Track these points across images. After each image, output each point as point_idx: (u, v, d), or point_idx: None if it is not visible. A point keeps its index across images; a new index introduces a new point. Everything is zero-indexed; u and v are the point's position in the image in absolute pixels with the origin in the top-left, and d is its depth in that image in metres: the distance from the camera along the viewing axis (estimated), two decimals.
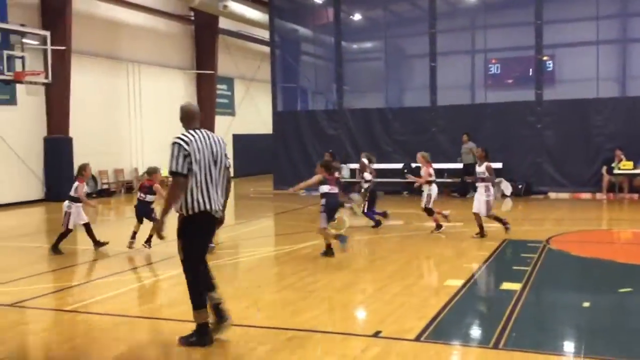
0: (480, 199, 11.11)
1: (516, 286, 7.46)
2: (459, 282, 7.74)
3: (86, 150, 19.84)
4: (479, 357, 5.22)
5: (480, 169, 11.36)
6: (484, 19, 19.51)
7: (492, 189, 11.17)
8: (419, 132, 19.46)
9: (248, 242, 11.44)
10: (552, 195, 18.31)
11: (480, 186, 11.18)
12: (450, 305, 6.75)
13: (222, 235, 12.27)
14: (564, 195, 18.08)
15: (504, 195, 18.20)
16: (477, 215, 11.20)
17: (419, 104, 20.09)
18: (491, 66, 20.54)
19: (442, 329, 6.00)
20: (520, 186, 18.22)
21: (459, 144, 19.09)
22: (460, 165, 18.84)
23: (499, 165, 18.58)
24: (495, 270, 8.71)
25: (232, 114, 29.78)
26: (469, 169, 18.59)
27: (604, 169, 17.32)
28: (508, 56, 20.57)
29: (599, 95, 18.10)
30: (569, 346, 5.55)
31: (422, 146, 18.98)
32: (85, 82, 20.91)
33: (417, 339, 5.63)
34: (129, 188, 22.57)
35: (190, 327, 6.07)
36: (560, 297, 7.57)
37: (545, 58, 19.20)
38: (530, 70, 19.38)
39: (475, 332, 6.07)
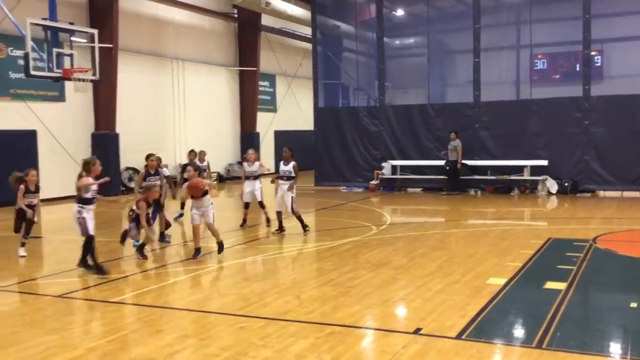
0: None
1: (561, 285, 7.32)
2: (501, 281, 7.63)
3: (131, 145, 20.28)
4: (521, 357, 5.14)
5: (287, 167, 11.77)
6: (530, 14, 19.11)
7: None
8: (462, 129, 19.23)
9: (289, 238, 11.51)
10: (600, 193, 17.87)
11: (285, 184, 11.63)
12: (493, 304, 6.66)
13: (263, 230, 12.39)
14: (612, 194, 17.62)
15: (549, 193, 17.89)
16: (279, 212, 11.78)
17: (462, 100, 19.84)
18: (537, 61, 20.11)
19: (484, 327, 5.93)
20: (566, 184, 17.83)
21: (504, 141, 18.81)
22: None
23: (544, 162, 18.26)
24: (539, 269, 8.55)
25: (274, 110, 29.97)
26: (454, 165, 18.47)
27: None
28: (555, 51, 20.13)
29: None
30: (615, 347, 5.42)
31: (464, 143, 18.87)
32: (131, 79, 21.34)
33: (459, 337, 5.59)
34: (173, 183, 22.90)
35: (229, 320, 6.18)
36: (606, 297, 7.39)
37: (593, 53, 18.70)
38: (578, 65, 18.93)
39: (518, 331, 5.98)
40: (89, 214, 8.60)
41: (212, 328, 6.07)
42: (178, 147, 23.89)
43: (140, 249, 9.62)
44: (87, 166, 8.72)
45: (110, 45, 19.14)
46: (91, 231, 8.57)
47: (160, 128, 23.08)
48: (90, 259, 8.61)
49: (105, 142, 20.10)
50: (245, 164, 12.97)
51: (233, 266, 9.26)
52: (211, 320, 6.37)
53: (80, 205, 8.60)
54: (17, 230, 9.98)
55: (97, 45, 15.71)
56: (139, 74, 22.04)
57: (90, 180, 8.73)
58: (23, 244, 9.98)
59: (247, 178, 12.73)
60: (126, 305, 7.05)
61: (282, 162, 11.98)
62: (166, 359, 5.20)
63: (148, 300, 7.26)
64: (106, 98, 20.09)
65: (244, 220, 12.80)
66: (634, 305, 6.67)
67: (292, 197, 11.62)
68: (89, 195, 8.63)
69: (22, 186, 9.70)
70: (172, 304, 7.13)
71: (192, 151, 14.43)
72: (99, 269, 8.44)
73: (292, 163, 11.79)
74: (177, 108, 24.01)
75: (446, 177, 18.99)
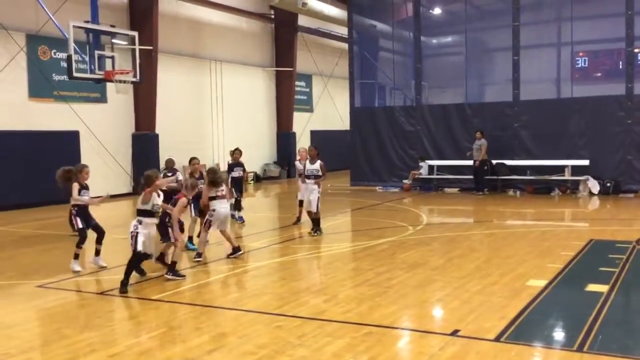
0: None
1: (603, 288, 7.16)
2: (542, 283, 7.51)
3: (171, 145, 20.57)
4: None
5: (314, 166, 11.66)
6: (571, 11, 18.72)
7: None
8: (500, 128, 18.97)
9: (325, 238, 11.53)
10: None
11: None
12: (533, 306, 6.55)
13: (298, 230, 12.42)
14: None
15: (591, 194, 17.50)
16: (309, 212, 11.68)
17: (501, 99, 19.56)
18: (578, 59, 19.70)
19: (523, 329, 5.84)
20: (608, 184, 17.43)
21: (544, 141, 18.49)
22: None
23: (585, 162, 17.88)
24: (580, 271, 8.38)
25: (310, 110, 30.05)
26: (476, 165, 18.20)
27: None
28: (596, 49, 19.68)
29: None
30: None
31: (503, 142, 18.60)
32: (170, 81, 21.67)
33: (497, 339, 5.51)
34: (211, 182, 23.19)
35: (266, 319, 6.22)
36: None
37: (636, 50, 18.23)
38: (620, 63, 18.48)
39: (559, 334, 5.88)
40: (145, 229, 7.87)
41: (249, 327, 6.12)
42: (216, 147, 24.16)
43: (172, 269, 8.33)
44: (149, 180, 8.12)
45: (150, 47, 19.46)
46: (139, 247, 7.79)
47: (198, 128, 23.38)
48: (125, 276, 7.74)
49: (145, 142, 20.46)
50: (298, 162, 12.97)
51: (269, 266, 9.32)
52: (248, 319, 6.43)
53: (139, 218, 7.98)
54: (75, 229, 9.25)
55: (137, 47, 15.99)
56: (178, 75, 22.36)
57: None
58: (77, 256, 8.96)
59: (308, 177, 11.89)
60: (165, 303, 7.16)
61: (307, 162, 12.01)
62: (204, 356, 5.26)
63: (187, 299, 7.36)
64: (146, 99, 20.45)
65: (298, 218, 12.96)
66: None
67: (317, 196, 11.62)
68: (147, 207, 8.01)
69: (76, 183, 9.03)
70: (210, 302, 7.21)
71: (236, 149, 13.71)
72: (122, 285, 7.66)
73: (319, 162, 11.76)
74: (215, 108, 24.28)
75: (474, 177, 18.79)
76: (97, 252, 9.23)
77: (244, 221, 13.31)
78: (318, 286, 7.95)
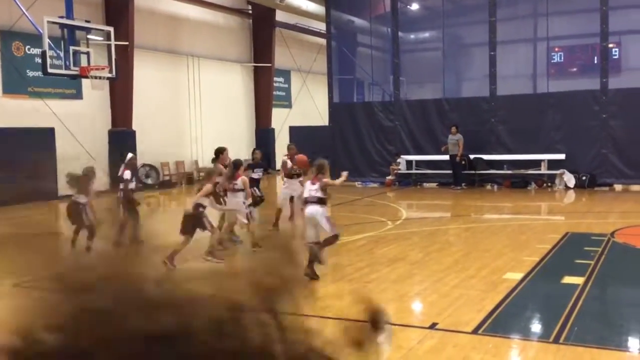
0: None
1: (579, 280, 7.26)
2: (518, 276, 7.59)
3: (148, 142, 20.42)
4: (538, 352, 5.12)
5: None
6: (547, 6, 18.91)
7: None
8: (478, 123, 19.12)
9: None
10: (618, 187, 17.67)
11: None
12: (510, 299, 6.63)
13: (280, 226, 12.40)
14: (631, 187, 17.42)
15: (567, 187, 17.74)
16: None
17: (478, 94, 19.71)
18: (554, 54, 19.93)
19: (500, 322, 5.91)
20: (583, 178, 17.66)
21: (520, 135, 18.67)
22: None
23: (561, 156, 18.10)
24: (556, 263, 8.49)
25: (289, 106, 30.01)
26: (454, 159, 18.35)
27: None
28: (572, 44, 19.92)
29: None
30: (633, 342, 5.37)
31: (480, 137, 18.77)
32: (147, 76, 21.47)
33: (475, 331, 5.57)
34: (189, 179, 23.10)
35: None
36: (624, 292, 7.33)
37: (611, 45, 18.48)
38: (595, 58, 18.71)
39: (535, 326, 5.96)
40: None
41: None
42: (194, 143, 24.02)
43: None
44: (209, 176, 9.25)
45: (126, 43, 19.27)
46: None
47: (176, 124, 23.21)
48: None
49: (122, 139, 20.24)
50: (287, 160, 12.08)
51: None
52: None
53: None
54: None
55: (113, 42, 15.84)
56: (155, 71, 22.17)
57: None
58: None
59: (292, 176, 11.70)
60: None
61: (289, 160, 11.92)
62: None
63: None
64: (123, 95, 20.24)
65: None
66: None
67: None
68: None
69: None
70: None
71: (256, 150, 13.25)
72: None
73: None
74: (192, 104, 24.13)
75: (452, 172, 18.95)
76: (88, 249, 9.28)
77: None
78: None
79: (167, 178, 22.29)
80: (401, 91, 21.22)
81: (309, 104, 30.57)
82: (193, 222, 8.72)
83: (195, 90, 24.16)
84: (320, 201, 8.03)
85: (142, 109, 20.89)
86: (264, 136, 27.43)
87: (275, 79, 28.30)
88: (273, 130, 27.90)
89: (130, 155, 11.22)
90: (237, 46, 26.62)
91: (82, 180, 9.62)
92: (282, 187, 12.12)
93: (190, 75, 23.86)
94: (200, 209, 8.81)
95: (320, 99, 28.18)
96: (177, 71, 23.32)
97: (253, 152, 13.13)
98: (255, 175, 12.48)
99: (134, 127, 20.57)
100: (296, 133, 28.43)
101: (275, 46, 27.42)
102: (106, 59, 16.05)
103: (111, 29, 16.12)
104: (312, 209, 8.00)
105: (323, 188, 8.09)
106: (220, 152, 11.20)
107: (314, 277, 7.36)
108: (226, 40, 25.87)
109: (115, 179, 11.80)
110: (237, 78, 26.60)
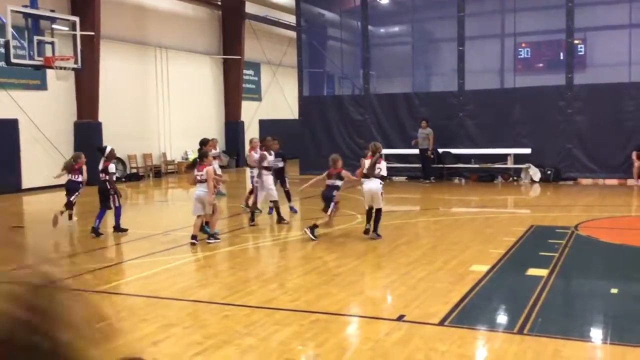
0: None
1: (543, 272, 7.40)
2: (484, 268, 7.70)
3: (115, 134, 20.11)
4: (503, 342, 5.21)
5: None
6: (514, 2, 19.15)
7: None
8: (446, 117, 19.29)
9: (275, 226, 11.52)
10: (582, 181, 18.03)
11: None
12: (475, 291, 6.72)
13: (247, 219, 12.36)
14: (594, 181, 17.80)
15: (532, 181, 18.04)
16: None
17: (447, 88, 19.89)
18: (521, 50, 20.19)
19: (466, 314, 5.99)
20: (549, 172, 17.98)
21: (488, 130, 18.89)
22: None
23: (527, 150, 18.39)
24: (521, 256, 8.64)
25: (259, 99, 29.87)
26: (423, 153, 18.57)
27: (635, 154, 16.98)
28: (538, 40, 20.21)
29: (631, 80, 17.70)
30: (595, 333, 5.50)
31: (448, 131, 18.94)
32: (114, 68, 21.13)
33: (441, 323, 5.64)
34: (157, 172, 22.85)
35: (214, 308, 6.18)
36: (587, 283, 7.49)
37: (576, 42, 18.81)
38: (561, 54, 19.02)
39: (500, 317, 6.05)
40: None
41: (196, 317, 6.08)
42: (161, 135, 23.76)
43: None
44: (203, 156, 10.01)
45: (92, 33, 18.90)
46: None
47: (143, 117, 22.91)
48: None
49: (87, 130, 19.91)
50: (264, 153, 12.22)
51: (218, 255, 9.25)
52: (195, 309, 6.37)
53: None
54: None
55: (78, 32, 15.52)
56: (122, 62, 21.83)
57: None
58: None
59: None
60: (110, 294, 7.02)
61: (266, 153, 11.94)
62: (149, 348, 5.19)
63: (132, 290, 7.24)
64: (88, 86, 19.88)
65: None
66: (614, 291, 6.77)
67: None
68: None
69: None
70: (156, 293, 7.11)
71: (271, 139, 12.85)
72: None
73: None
74: (161, 96, 23.83)
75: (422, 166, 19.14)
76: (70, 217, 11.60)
77: (296, 211, 13.32)
78: (267, 275, 7.95)
79: (134, 171, 22.00)
80: (371, 85, 21.29)
81: (278, 97, 30.49)
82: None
83: (163, 82, 23.87)
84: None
85: (108, 100, 20.56)
86: (233, 129, 27.28)
87: (245, 71, 28.13)
88: (242, 123, 27.74)
89: (110, 147, 11.22)
90: (206, 38, 26.37)
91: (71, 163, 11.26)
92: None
93: (158, 67, 23.56)
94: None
95: (290, 92, 28.15)
96: (145, 63, 23.00)
97: (272, 141, 12.67)
98: (280, 164, 12.49)
99: (100, 119, 20.24)
100: (266, 126, 28.33)
101: (244, 38, 27.24)
102: (71, 50, 15.72)
103: (77, 19, 15.78)
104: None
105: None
106: (204, 144, 11.32)
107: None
108: (195, 32, 25.60)
109: (93, 171, 11.90)
110: (206, 70, 26.37)
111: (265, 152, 11.90)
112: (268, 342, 5.22)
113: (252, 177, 12.83)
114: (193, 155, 24.20)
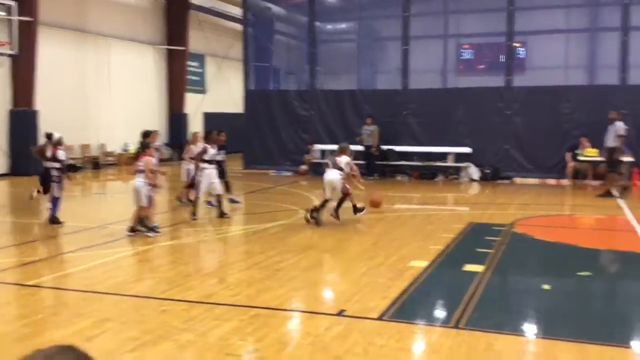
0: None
1: (479, 268, 7.59)
2: (423, 263, 7.85)
3: (52, 124, 19.41)
4: (440, 336, 5.32)
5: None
6: (457, 4, 19.56)
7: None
8: (390, 115, 19.53)
9: (217, 221, 11.40)
10: (519, 180, 18.58)
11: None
12: (414, 286, 6.84)
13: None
14: (530, 181, 18.37)
15: (472, 180, 18.49)
16: None
17: (391, 86, 20.13)
18: (463, 51, 20.67)
19: (405, 308, 6.09)
20: (487, 171, 18.45)
21: (430, 128, 19.22)
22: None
23: (468, 150, 18.82)
24: (459, 252, 8.84)
25: (203, 91, 29.47)
26: (368, 151, 18.90)
27: (569, 155, 17.64)
28: (480, 42, 20.71)
29: (567, 83, 18.36)
30: (527, 327, 5.68)
31: (392, 129, 19.19)
32: (53, 55, 20.44)
33: (380, 317, 5.71)
34: (95, 164, 22.24)
35: (152, 303, 6.08)
36: (521, 279, 7.74)
37: (516, 45, 19.36)
38: (502, 56, 19.54)
39: (437, 311, 6.18)
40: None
41: (134, 312, 5.96)
42: (102, 126, 23.13)
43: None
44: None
45: (30, 19, 18.21)
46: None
47: (83, 106, 22.24)
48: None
49: (23, 119, 19.20)
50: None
51: (158, 249, 9.09)
52: (133, 303, 6.25)
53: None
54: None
55: (15, 18, 14.95)
56: (62, 49, 21.13)
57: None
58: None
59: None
60: (43, 288, 6.80)
61: (208, 146, 11.82)
62: (84, 343, 5.06)
63: (67, 284, 7.04)
64: (25, 73, 19.14)
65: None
66: (546, 287, 7.01)
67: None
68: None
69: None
70: (92, 287, 6.92)
71: (221, 132, 12.91)
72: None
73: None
74: (101, 86, 23.20)
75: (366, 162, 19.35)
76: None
77: (238, 201, 13.39)
78: (207, 269, 7.87)
79: (71, 162, 21.32)
80: (317, 81, 21.33)
81: (224, 90, 30.15)
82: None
83: (104, 71, 23.23)
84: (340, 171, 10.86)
85: (46, 88, 19.87)
86: (176, 121, 26.84)
87: (190, 63, 27.71)
88: (186, 115, 27.33)
89: (58, 135, 11.03)
90: (149, 27, 25.80)
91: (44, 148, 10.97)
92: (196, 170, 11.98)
93: (99, 56, 22.91)
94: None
95: (236, 85, 27.86)
96: (85, 51, 22.33)
97: (218, 135, 12.55)
98: (219, 157, 12.35)
99: (37, 107, 19.55)
100: (210, 119, 27.99)
101: (189, 29, 26.81)
102: (7, 35, 15.13)
103: (13, 4, 15.22)
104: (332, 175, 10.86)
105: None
106: (146, 135, 11.18)
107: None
108: (138, 21, 25.02)
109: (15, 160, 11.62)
110: (148, 60, 25.82)
111: (208, 145, 11.78)
112: (207, 338, 5.17)
113: (187, 170, 13.05)
114: (133, 147, 23.72)
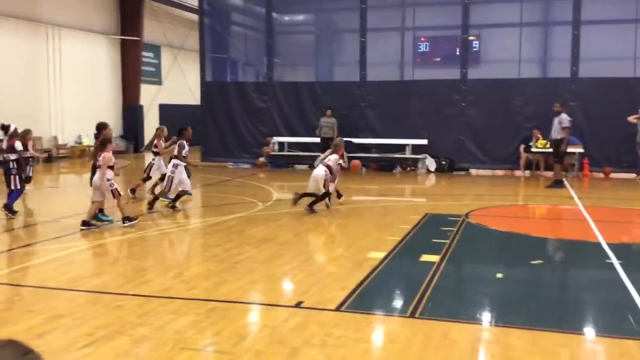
0: None
1: (435, 258, 7.70)
2: (381, 255, 7.91)
3: (2, 116, 18.84)
4: (396, 326, 5.38)
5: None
6: None
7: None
8: (348, 107, 19.60)
9: (174, 213, 11.26)
10: (474, 171, 18.91)
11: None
12: (372, 277, 6.90)
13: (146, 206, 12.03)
14: (485, 172, 18.72)
15: (428, 171, 18.72)
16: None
17: (349, 78, 20.19)
18: (420, 44, 20.81)
19: (362, 299, 6.14)
20: (443, 162, 18.71)
21: (387, 120, 19.36)
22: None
23: (424, 141, 19.05)
24: (415, 242, 8.95)
25: (159, 83, 29.02)
26: (328, 143, 19.01)
27: (522, 147, 18.03)
28: (436, 35, 20.90)
29: (520, 76, 18.73)
30: (482, 315, 5.79)
31: (350, 121, 19.26)
32: (1, 45, 19.82)
33: (338, 309, 5.74)
34: (47, 157, 21.67)
35: (106, 298, 5.98)
36: (476, 268, 7.88)
37: (471, 38, 19.63)
38: (457, 49, 19.78)
39: (394, 302, 6.25)
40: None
41: (87, 307, 5.84)
42: (53, 118, 22.56)
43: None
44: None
45: None
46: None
47: (33, 98, 21.65)
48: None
49: None
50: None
51: (114, 243, 8.93)
52: (87, 299, 6.12)
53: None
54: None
55: None
56: (10, 38, 20.49)
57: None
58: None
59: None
60: None
61: (185, 142, 11.83)
62: (34, 340, 4.93)
63: (19, 279, 6.85)
64: None
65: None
66: (499, 275, 7.16)
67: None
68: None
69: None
70: (44, 282, 6.76)
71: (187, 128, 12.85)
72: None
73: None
74: (52, 77, 22.60)
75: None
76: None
77: (191, 194, 13.04)
78: (164, 263, 7.77)
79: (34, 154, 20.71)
80: (275, 73, 21.22)
81: (180, 82, 29.76)
82: None
83: (55, 61, 22.64)
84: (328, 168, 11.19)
85: None
86: (132, 113, 26.39)
87: (145, 53, 27.23)
88: (141, 107, 26.87)
89: (14, 126, 10.86)
90: (102, 17, 25.23)
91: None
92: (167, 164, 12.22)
93: (50, 46, 22.31)
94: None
95: (192, 77, 27.52)
96: (36, 40, 21.72)
97: (185, 130, 12.34)
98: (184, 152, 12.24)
99: None
100: (166, 111, 27.64)
101: (144, 19, 26.33)
102: None
103: None
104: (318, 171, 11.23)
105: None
106: (102, 128, 11.02)
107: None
108: (90, 10, 24.44)
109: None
110: (102, 51, 25.26)
111: (184, 141, 11.78)
112: (162, 332, 5.11)
113: (151, 164, 12.96)
114: (87, 139, 23.21)
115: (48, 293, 6.35)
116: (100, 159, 9.63)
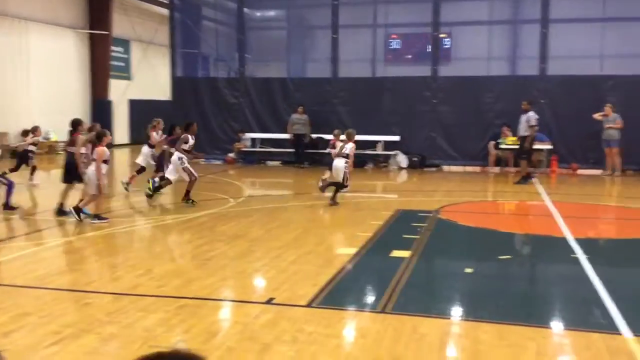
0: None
1: (405, 254, 7.76)
2: (352, 250, 7.94)
3: None
4: (367, 321, 5.41)
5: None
6: None
7: None
8: (320, 104, 19.60)
9: (144, 210, 11.15)
10: (445, 168, 19.08)
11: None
12: (343, 273, 6.92)
13: (117, 202, 11.89)
14: (455, 168, 18.90)
15: (400, 167, 18.84)
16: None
17: (321, 75, 20.19)
18: (392, 41, 20.92)
19: (333, 295, 6.15)
20: (415, 159, 18.84)
21: (359, 117, 19.40)
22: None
23: (396, 138, 19.16)
24: (386, 238, 9.00)
25: (129, 78, 28.64)
26: (301, 139, 19.10)
27: (492, 144, 18.25)
28: (408, 32, 21.02)
29: (490, 74, 18.95)
30: (452, 310, 5.85)
31: (322, 117, 19.28)
32: None
33: (309, 305, 5.75)
34: (14, 152, 21.21)
35: (74, 296, 5.90)
36: (445, 263, 7.97)
37: (442, 35, 19.79)
38: (429, 46, 19.92)
39: (365, 297, 6.28)
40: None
41: (55, 305, 5.75)
42: (20, 114, 22.10)
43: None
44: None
45: None
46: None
47: (1, 92, 21.18)
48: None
49: None
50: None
51: (83, 240, 8.81)
52: (54, 297, 6.03)
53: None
54: None
55: None
56: None
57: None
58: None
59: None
60: None
61: (189, 136, 11.95)
62: (1, 338, 4.84)
63: None
64: None
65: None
66: (469, 270, 7.24)
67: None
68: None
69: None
70: (10, 281, 6.63)
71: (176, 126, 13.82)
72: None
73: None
74: (19, 71, 22.14)
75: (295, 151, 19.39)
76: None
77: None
78: (133, 260, 7.68)
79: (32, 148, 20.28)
80: (246, 68, 21.11)
81: (150, 77, 29.38)
82: None
83: (22, 56, 22.19)
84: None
85: None
86: (101, 108, 26.00)
87: (114, 48, 26.85)
88: (110, 102, 26.50)
89: None
90: (70, 11, 24.79)
91: None
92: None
93: (16, 40, 21.85)
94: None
95: (163, 72, 27.19)
96: (2, 34, 21.26)
97: (191, 125, 12.48)
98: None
99: None
100: (136, 106, 27.31)
101: (113, 13, 25.94)
102: None
103: None
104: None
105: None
106: (77, 124, 10.86)
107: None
108: (58, 3, 24.00)
109: None
110: (70, 45, 24.83)
111: (189, 135, 11.91)
112: (131, 330, 5.06)
113: (152, 156, 13.61)
114: (54, 135, 22.81)
115: (15, 291, 6.24)
116: (94, 154, 9.70)
